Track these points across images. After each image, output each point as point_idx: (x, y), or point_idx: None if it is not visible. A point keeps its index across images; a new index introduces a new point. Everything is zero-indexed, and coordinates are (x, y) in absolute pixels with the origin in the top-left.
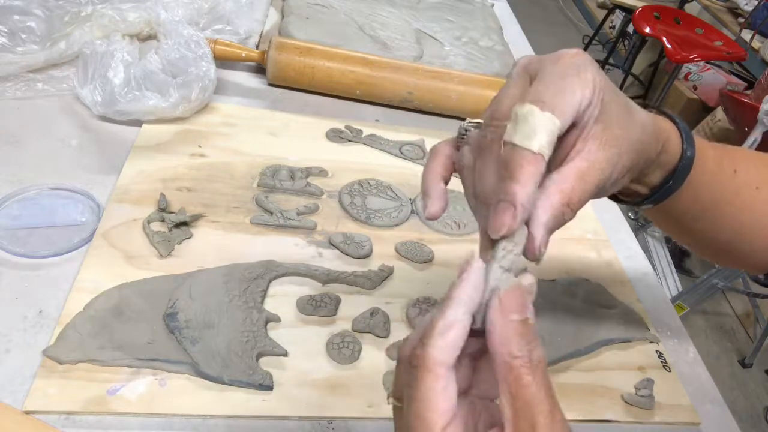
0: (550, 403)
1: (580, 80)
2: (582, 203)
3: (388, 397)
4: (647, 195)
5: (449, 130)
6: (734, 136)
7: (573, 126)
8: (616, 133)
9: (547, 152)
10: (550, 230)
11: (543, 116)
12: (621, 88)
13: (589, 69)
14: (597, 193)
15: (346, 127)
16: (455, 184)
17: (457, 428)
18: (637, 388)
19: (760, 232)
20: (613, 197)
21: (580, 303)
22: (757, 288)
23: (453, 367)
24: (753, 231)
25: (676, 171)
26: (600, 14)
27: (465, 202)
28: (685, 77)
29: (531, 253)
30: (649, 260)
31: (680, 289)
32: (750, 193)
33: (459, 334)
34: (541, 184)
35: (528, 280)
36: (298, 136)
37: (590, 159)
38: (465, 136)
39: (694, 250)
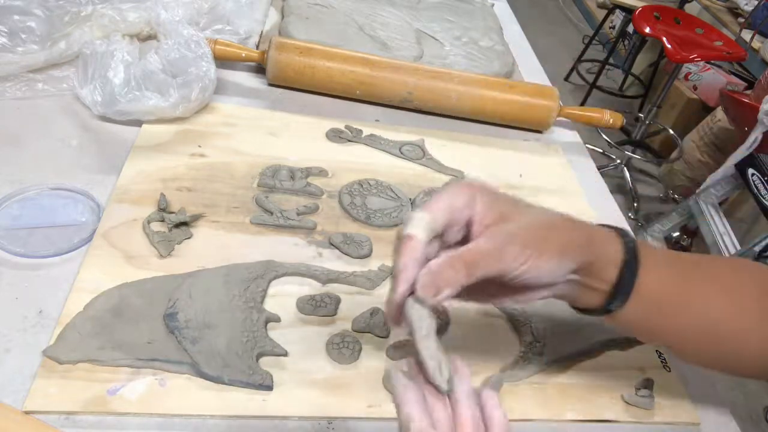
0: None
1: (450, 194)
2: (473, 267)
3: None
4: (612, 293)
5: (449, 129)
6: (734, 136)
7: (469, 225)
8: (505, 218)
9: (419, 234)
10: (435, 273)
11: (416, 213)
12: (621, 88)
13: (463, 187)
14: (505, 270)
15: (346, 127)
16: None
17: None
18: (637, 388)
19: (733, 325)
20: (586, 310)
21: None
22: None
23: None
24: (727, 326)
25: (626, 261)
26: (600, 14)
27: None
28: (685, 77)
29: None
30: None
31: None
32: (713, 284)
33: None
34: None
35: None
36: (298, 136)
37: (482, 237)
38: None
39: (685, 358)
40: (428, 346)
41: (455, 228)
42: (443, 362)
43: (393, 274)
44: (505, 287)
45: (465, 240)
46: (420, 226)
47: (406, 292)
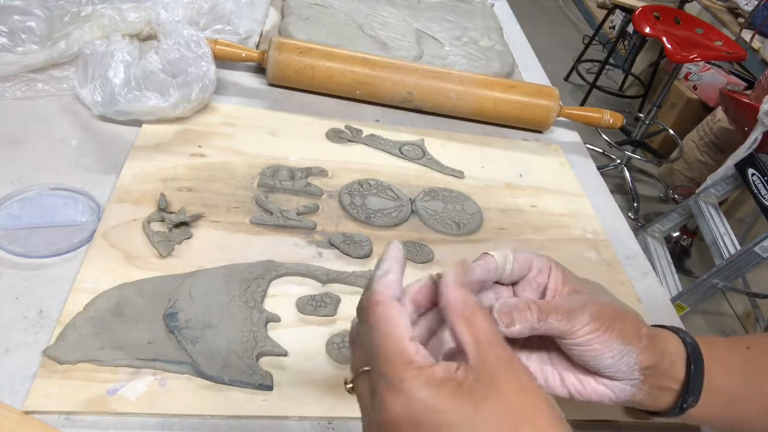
0: (502, 337)
1: (533, 255)
2: (544, 314)
3: (345, 383)
4: (683, 391)
5: (449, 129)
6: (734, 136)
7: (544, 293)
8: (578, 292)
9: (497, 257)
10: (511, 306)
11: (503, 251)
12: (621, 88)
13: (543, 256)
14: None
15: (346, 127)
16: (455, 183)
17: (420, 347)
18: None
19: None
20: (659, 413)
21: None
22: (757, 288)
23: (400, 303)
24: None
25: (690, 357)
26: (600, 14)
27: (465, 202)
28: (685, 77)
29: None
30: (649, 260)
31: (680, 289)
32: None
33: (396, 276)
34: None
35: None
36: (298, 136)
37: (557, 298)
38: None
39: None
40: None
41: (530, 287)
42: None
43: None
44: (571, 366)
45: None
46: (501, 255)
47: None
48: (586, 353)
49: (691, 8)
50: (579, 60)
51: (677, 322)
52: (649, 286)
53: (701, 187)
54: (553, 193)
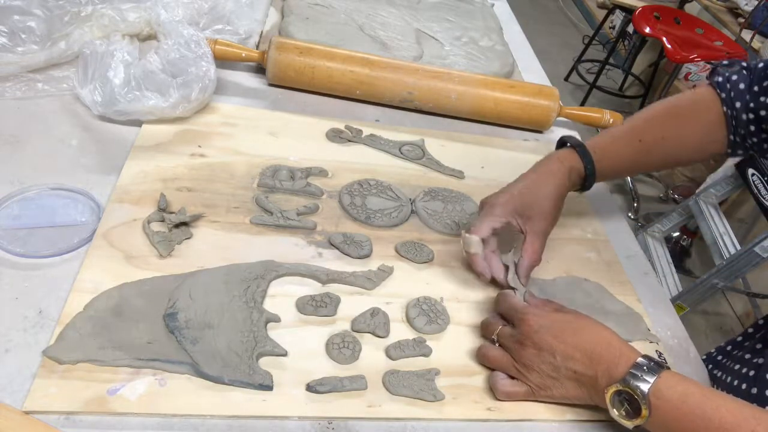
0: None
1: (492, 218)
2: (540, 252)
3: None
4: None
5: (449, 129)
6: None
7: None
8: (534, 218)
9: (479, 251)
10: (529, 272)
11: (472, 238)
12: (621, 88)
13: (497, 208)
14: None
15: (346, 127)
16: (455, 183)
17: None
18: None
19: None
20: None
21: (580, 303)
22: (757, 288)
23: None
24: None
25: (586, 177)
26: (600, 14)
27: (465, 202)
28: (685, 77)
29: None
30: (649, 260)
31: (680, 289)
32: (659, 145)
33: None
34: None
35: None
36: (298, 136)
37: (531, 238)
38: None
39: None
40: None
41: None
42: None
43: (475, 270)
44: None
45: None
46: (477, 247)
47: (488, 274)
48: None
49: (691, 8)
50: (579, 60)
51: (677, 322)
52: (649, 286)
53: (701, 187)
54: None
